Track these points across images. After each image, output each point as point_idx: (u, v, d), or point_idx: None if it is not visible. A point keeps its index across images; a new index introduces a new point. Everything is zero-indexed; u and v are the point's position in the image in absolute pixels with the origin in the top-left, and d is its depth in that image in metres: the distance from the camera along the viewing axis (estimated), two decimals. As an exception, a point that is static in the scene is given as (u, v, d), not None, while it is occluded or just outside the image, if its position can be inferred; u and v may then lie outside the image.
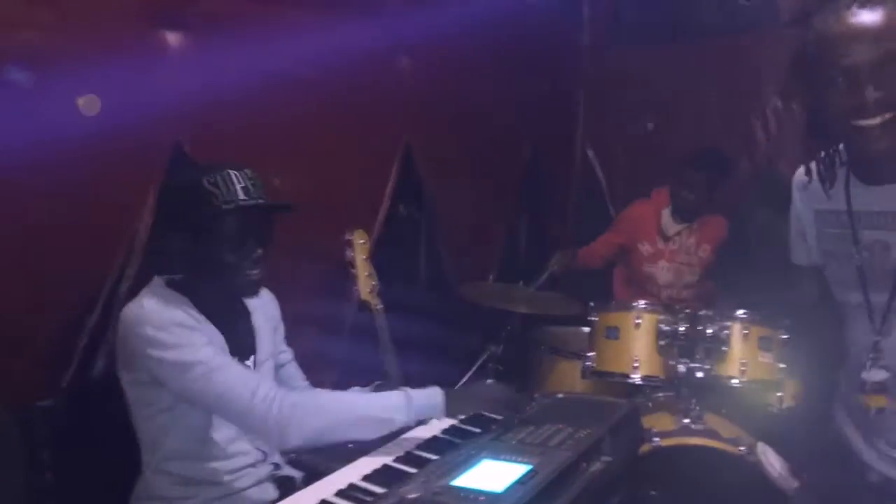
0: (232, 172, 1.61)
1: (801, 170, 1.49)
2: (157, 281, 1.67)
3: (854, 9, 1.24)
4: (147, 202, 2.08)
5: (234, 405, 1.55)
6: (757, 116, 4.06)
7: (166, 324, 1.55)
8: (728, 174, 3.40)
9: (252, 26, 2.32)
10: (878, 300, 1.36)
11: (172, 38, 2.13)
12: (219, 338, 1.65)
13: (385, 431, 1.61)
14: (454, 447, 1.56)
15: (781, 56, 3.66)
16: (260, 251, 1.64)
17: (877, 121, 1.22)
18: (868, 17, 1.22)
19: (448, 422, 1.73)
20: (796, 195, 1.52)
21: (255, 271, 1.65)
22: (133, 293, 1.70)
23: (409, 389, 1.64)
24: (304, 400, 1.60)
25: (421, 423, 1.69)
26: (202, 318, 1.64)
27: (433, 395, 1.63)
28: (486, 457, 1.44)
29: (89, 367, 2.05)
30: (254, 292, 1.71)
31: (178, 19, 2.13)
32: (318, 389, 1.73)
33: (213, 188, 1.59)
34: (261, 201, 1.64)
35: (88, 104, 1.80)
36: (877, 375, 1.36)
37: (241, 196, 1.60)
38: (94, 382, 2.03)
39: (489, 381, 1.76)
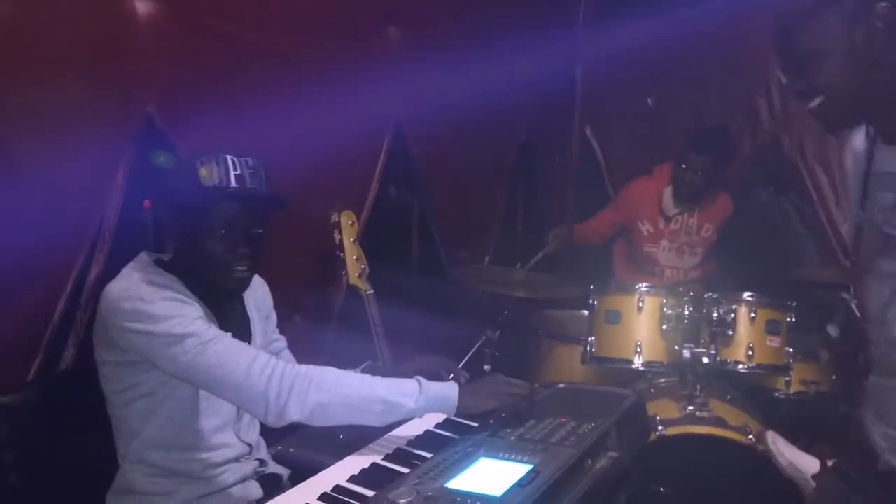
0: (229, 157, 1.55)
1: (854, 135, 1.45)
2: (144, 258, 1.59)
3: None
4: (117, 182, 1.95)
5: (230, 377, 1.45)
6: (760, 93, 3.96)
7: (155, 297, 1.48)
8: (732, 156, 3.30)
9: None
10: (888, 268, 1.31)
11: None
12: (211, 317, 1.57)
13: (391, 418, 1.50)
14: (449, 443, 1.46)
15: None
16: (247, 248, 1.56)
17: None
18: None
19: (441, 414, 1.62)
20: (848, 162, 1.46)
21: (241, 268, 1.57)
22: (104, 278, 1.60)
23: (422, 378, 1.53)
24: (308, 371, 1.49)
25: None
26: (194, 297, 1.55)
27: (447, 389, 1.52)
28: (483, 455, 1.34)
29: (58, 358, 1.94)
30: (238, 290, 1.64)
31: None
32: (322, 367, 1.61)
33: (203, 169, 1.52)
34: (252, 190, 1.56)
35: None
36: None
37: (234, 183, 1.54)
38: (63, 374, 1.92)
39: (500, 375, 1.62)
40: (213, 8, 2.19)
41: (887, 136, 1.33)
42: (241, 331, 1.68)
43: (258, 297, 1.79)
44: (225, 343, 1.49)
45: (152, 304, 1.47)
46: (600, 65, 3.97)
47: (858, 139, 1.45)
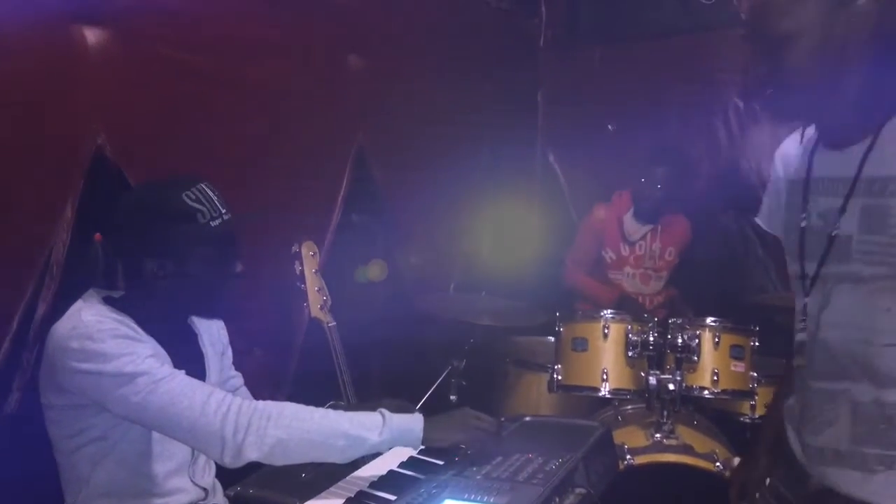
0: (203, 185, 1.53)
1: (786, 141, 1.47)
2: (93, 295, 1.54)
3: None
4: (65, 215, 1.88)
5: (184, 416, 1.40)
6: (718, 117, 4.03)
7: (105, 335, 1.42)
8: (689, 168, 3.34)
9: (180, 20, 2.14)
10: (810, 268, 1.34)
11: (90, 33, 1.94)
12: (164, 355, 1.52)
13: (355, 453, 1.46)
14: (413, 484, 1.41)
15: (741, 55, 3.67)
16: (240, 267, 1.57)
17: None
18: None
19: (406, 452, 1.57)
20: (778, 166, 1.49)
21: (233, 291, 1.58)
22: (52, 315, 1.53)
23: (386, 411, 1.49)
24: (266, 407, 1.44)
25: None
26: (146, 336, 1.51)
27: (412, 421, 1.49)
28: (448, 496, 1.30)
29: (2, 401, 1.85)
30: (230, 312, 1.63)
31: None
32: (280, 402, 1.56)
33: (197, 204, 1.49)
34: (231, 214, 1.55)
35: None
36: (800, 337, 1.37)
37: (223, 210, 1.53)
38: (8, 418, 1.83)
39: (467, 408, 1.58)
40: (167, 35, 2.14)
41: (831, 140, 1.33)
42: (196, 368, 1.62)
43: (212, 332, 1.74)
44: (178, 381, 1.43)
45: (101, 343, 1.41)
46: (561, 91, 4.02)
47: (792, 146, 1.45)
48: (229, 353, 1.80)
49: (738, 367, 2.47)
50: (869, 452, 1.29)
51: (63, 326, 1.46)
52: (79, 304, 1.51)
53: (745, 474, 1.63)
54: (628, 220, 3.28)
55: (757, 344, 2.53)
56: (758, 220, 1.59)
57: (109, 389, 1.41)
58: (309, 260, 2.30)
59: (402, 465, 1.57)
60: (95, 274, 1.57)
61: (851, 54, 1.23)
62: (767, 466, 1.54)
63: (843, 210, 1.27)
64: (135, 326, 1.50)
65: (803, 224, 1.35)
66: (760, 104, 1.32)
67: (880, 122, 1.25)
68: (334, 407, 1.79)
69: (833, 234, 1.29)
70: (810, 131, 1.39)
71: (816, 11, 1.22)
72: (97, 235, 1.89)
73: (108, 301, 1.54)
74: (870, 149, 1.25)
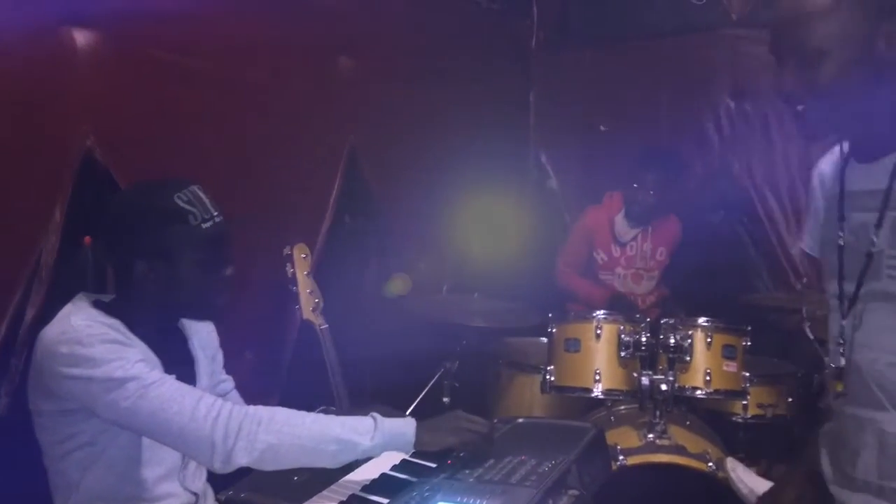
0: (195, 187, 1.52)
1: (823, 158, 1.42)
2: (82, 299, 1.53)
3: None
4: (53, 218, 1.86)
5: (174, 421, 1.39)
6: (709, 118, 4.05)
7: (94, 340, 1.41)
8: (683, 174, 3.35)
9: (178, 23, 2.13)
10: (849, 288, 1.29)
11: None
12: (154, 360, 1.51)
13: (347, 458, 1.45)
14: (405, 488, 1.40)
15: (732, 57, 3.69)
16: (231, 270, 1.56)
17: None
18: None
19: (399, 455, 1.56)
20: (815, 185, 1.44)
21: (225, 293, 1.56)
22: (41, 320, 1.52)
23: (377, 415, 1.48)
24: (257, 412, 1.43)
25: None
26: (136, 339, 1.50)
27: (403, 425, 1.48)
28: (441, 499, 1.29)
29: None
30: (223, 316, 1.62)
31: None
32: (271, 407, 1.56)
33: (188, 206, 1.48)
34: (223, 217, 1.54)
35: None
36: (838, 361, 1.31)
37: (214, 212, 1.52)
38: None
39: (460, 411, 1.58)
40: (157, 37, 2.13)
41: (862, 153, 1.29)
42: (186, 372, 1.61)
43: (203, 336, 1.72)
44: (168, 386, 1.42)
45: (91, 348, 1.40)
46: (553, 91, 4.02)
47: (828, 163, 1.41)
48: (220, 356, 1.79)
49: (731, 366, 2.48)
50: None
51: (52, 331, 1.45)
52: (68, 308, 1.50)
53: (772, 500, 1.54)
54: (619, 221, 3.28)
55: (749, 344, 2.54)
56: (803, 247, 1.52)
57: (99, 395, 1.40)
58: (301, 262, 2.29)
59: (394, 468, 1.56)
60: (85, 277, 1.56)
61: (887, 68, 1.19)
62: (799, 497, 1.45)
63: (879, 224, 1.23)
64: (125, 330, 1.48)
65: (841, 242, 1.30)
66: (793, 120, 1.25)
67: None
68: (325, 412, 1.79)
69: (871, 251, 1.23)
70: (844, 146, 1.34)
71: (854, 25, 1.17)
72: (87, 238, 1.89)
73: (98, 305, 1.52)
74: None
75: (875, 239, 1.23)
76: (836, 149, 1.37)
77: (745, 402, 2.61)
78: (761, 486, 2.02)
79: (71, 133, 1.95)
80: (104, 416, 1.43)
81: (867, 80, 1.20)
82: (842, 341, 1.29)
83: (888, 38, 1.17)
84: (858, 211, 1.29)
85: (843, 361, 1.29)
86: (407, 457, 1.59)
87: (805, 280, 3.24)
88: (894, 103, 1.21)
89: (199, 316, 1.65)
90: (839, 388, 1.31)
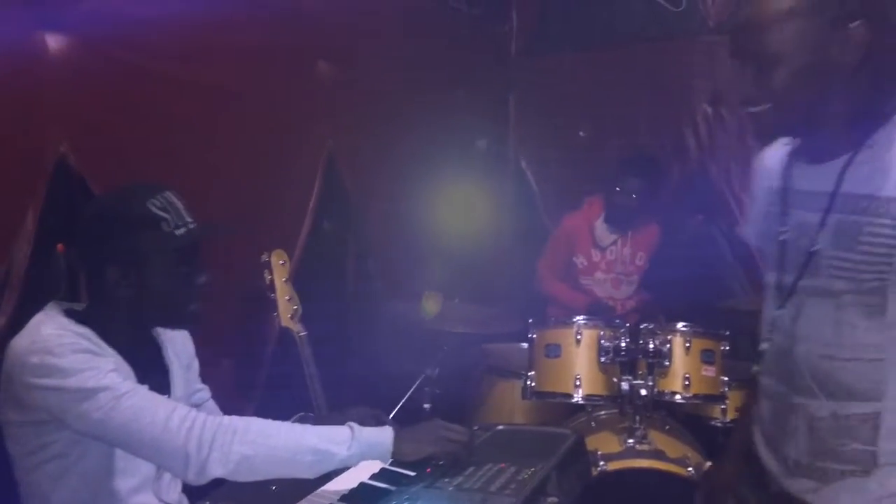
0: (169, 193, 1.49)
1: (766, 151, 1.47)
2: (54, 308, 1.50)
3: None
4: (25, 225, 1.83)
5: (146, 432, 1.37)
6: (687, 123, 4.09)
7: (65, 350, 1.39)
8: (664, 180, 3.37)
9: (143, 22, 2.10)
10: (787, 280, 1.36)
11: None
12: (127, 369, 1.48)
13: (323, 468, 1.43)
14: (384, 497, 1.39)
15: (710, 63, 3.73)
16: (204, 277, 1.54)
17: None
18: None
19: (377, 463, 1.55)
20: (758, 176, 1.49)
21: (198, 300, 1.55)
22: (12, 328, 1.51)
23: (355, 424, 1.46)
24: (231, 423, 1.41)
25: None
26: (109, 349, 1.47)
27: (382, 434, 1.46)
28: (420, 509, 1.27)
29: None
30: (197, 322, 1.59)
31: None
32: (247, 417, 1.54)
33: (161, 212, 1.46)
34: (197, 223, 1.52)
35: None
36: (763, 346, 1.40)
37: (188, 219, 1.50)
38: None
39: (438, 419, 1.57)
40: (131, 41, 2.10)
41: (812, 154, 1.34)
42: (160, 382, 1.58)
43: (177, 345, 1.70)
44: (140, 396, 1.40)
45: (62, 358, 1.37)
46: (533, 97, 4.03)
47: (773, 157, 1.46)
48: (195, 365, 1.76)
49: (709, 371, 2.49)
50: (827, 467, 1.31)
51: (22, 341, 1.42)
52: (39, 317, 1.47)
53: (713, 480, 1.64)
54: (599, 225, 3.30)
55: (727, 348, 2.56)
56: (740, 232, 1.61)
57: (70, 405, 1.37)
58: (279, 269, 2.27)
59: (373, 476, 1.54)
60: (58, 285, 1.54)
61: (841, 74, 1.23)
62: (735, 473, 1.55)
63: (822, 225, 1.28)
64: (97, 340, 1.46)
65: (782, 237, 1.36)
66: (750, 119, 1.32)
67: (861, 139, 1.26)
68: (303, 419, 1.77)
69: (812, 249, 1.29)
70: (794, 144, 1.39)
71: (807, 33, 1.21)
72: (60, 246, 1.86)
73: (70, 314, 1.50)
74: (847, 165, 1.26)
75: (817, 238, 1.29)
76: (781, 143, 1.42)
77: (723, 407, 2.62)
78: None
79: (44, 139, 1.92)
80: (76, 428, 1.40)
81: (820, 85, 1.24)
82: (771, 328, 1.38)
83: (841, 45, 1.21)
84: (802, 209, 1.34)
85: (767, 346, 1.39)
86: (386, 465, 1.57)
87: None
88: (846, 108, 1.26)
89: (173, 324, 1.63)
90: (759, 370, 1.41)
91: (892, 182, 1.22)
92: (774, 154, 1.44)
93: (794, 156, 1.38)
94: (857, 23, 1.19)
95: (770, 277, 1.41)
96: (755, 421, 1.48)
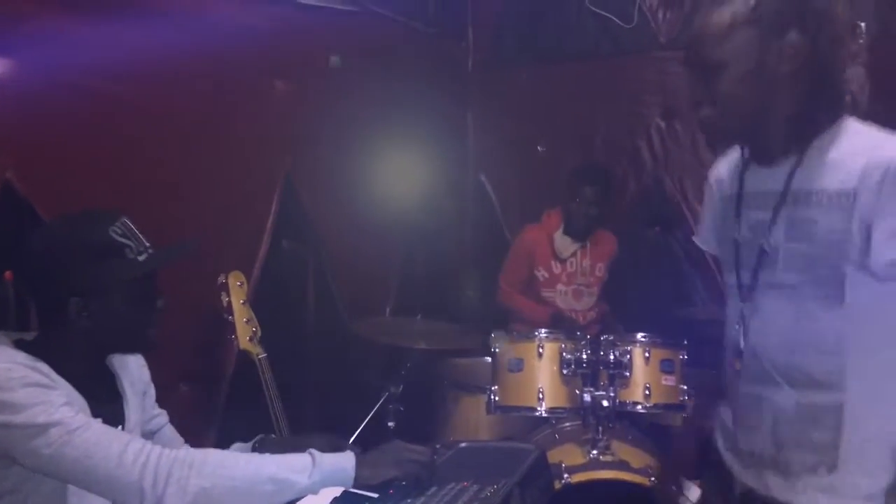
0: (124, 219, 1.47)
1: (719, 162, 1.57)
2: (2, 338, 1.45)
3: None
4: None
5: (100, 468, 1.33)
6: (642, 137, 4.17)
7: (15, 384, 1.33)
8: (615, 185, 3.46)
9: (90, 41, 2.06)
10: (746, 277, 1.43)
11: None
12: (81, 401, 1.44)
13: (284, 498, 1.40)
14: (347, 521, 1.36)
15: (662, 78, 3.80)
16: (161, 302, 1.53)
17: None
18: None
19: (339, 488, 1.53)
20: (713, 186, 1.58)
21: (156, 325, 1.53)
22: None
23: (315, 451, 1.44)
24: (188, 455, 1.38)
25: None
26: (61, 380, 1.42)
27: (343, 460, 1.44)
28: (382, 532, 1.26)
29: None
30: (155, 347, 1.57)
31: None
32: (203, 449, 1.50)
33: (124, 239, 1.44)
34: (154, 248, 1.50)
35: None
36: (738, 342, 1.43)
37: (147, 244, 1.48)
38: None
39: (399, 441, 1.56)
40: (79, 64, 2.05)
41: (761, 157, 1.42)
42: (114, 411, 1.54)
43: (131, 371, 1.65)
44: (93, 430, 1.36)
45: (11, 392, 1.33)
46: (490, 112, 4.07)
47: (726, 166, 1.54)
48: (152, 391, 1.72)
49: (669, 380, 2.52)
50: (791, 458, 1.35)
51: None
52: None
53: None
54: (559, 237, 3.33)
55: (686, 357, 2.59)
56: (695, 240, 1.67)
57: (20, 442, 1.33)
58: (236, 290, 2.24)
59: (335, 500, 1.52)
60: (5, 314, 1.49)
61: (782, 82, 1.32)
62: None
63: (773, 222, 1.36)
64: (48, 371, 1.41)
65: (736, 236, 1.43)
66: (700, 126, 1.42)
67: (807, 141, 1.35)
68: (263, 441, 1.74)
69: (764, 245, 1.37)
70: (744, 151, 1.47)
71: (747, 43, 1.30)
72: (7, 273, 1.80)
73: (20, 345, 1.45)
74: (797, 164, 1.35)
75: (770, 234, 1.36)
76: (734, 152, 1.51)
77: (684, 415, 2.66)
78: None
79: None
80: (26, 464, 1.36)
81: (761, 91, 1.33)
82: (739, 325, 1.42)
83: (779, 54, 1.30)
84: (755, 209, 1.41)
85: (742, 343, 1.42)
86: (349, 489, 1.55)
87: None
88: (786, 112, 1.34)
89: (131, 349, 1.60)
90: (738, 366, 1.44)
91: (840, 177, 1.30)
92: (727, 163, 1.53)
93: (746, 162, 1.46)
94: (792, 33, 1.29)
95: (730, 278, 1.47)
96: (717, 427, 1.52)
